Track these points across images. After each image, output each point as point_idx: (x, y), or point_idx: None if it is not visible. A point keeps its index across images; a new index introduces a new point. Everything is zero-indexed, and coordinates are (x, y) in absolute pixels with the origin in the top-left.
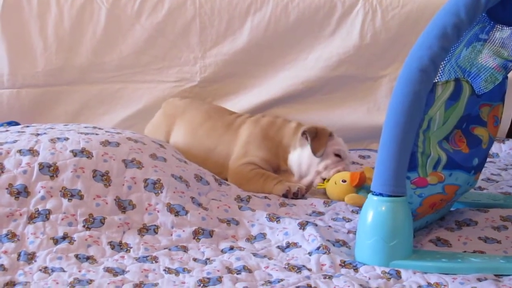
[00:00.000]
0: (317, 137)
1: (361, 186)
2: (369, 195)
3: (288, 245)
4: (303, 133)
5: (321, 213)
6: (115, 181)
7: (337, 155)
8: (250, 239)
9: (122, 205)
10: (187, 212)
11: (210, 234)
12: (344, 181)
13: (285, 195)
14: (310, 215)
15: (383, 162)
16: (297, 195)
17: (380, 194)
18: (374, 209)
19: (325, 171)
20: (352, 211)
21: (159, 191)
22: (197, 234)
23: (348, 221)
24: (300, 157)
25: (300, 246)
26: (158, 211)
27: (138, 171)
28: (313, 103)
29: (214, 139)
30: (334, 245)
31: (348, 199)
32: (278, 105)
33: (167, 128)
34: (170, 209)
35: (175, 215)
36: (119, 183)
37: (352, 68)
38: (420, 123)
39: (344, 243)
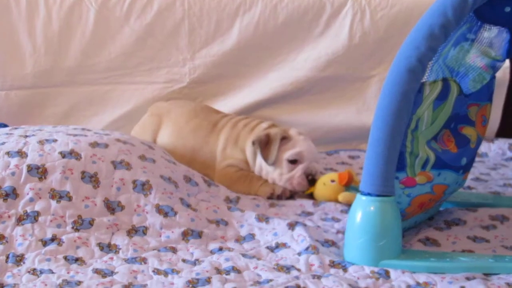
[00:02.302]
0: (268, 145)
1: (350, 185)
2: (358, 195)
3: (277, 246)
4: (253, 143)
5: (310, 213)
6: (104, 182)
7: (292, 161)
8: (239, 239)
9: (111, 207)
10: (176, 213)
11: (199, 235)
12: (333, 181)
13: (270, 197)
14: (299, 215)
15: (372, 162)
16: (281, 197)
17: (369, 194)
18: (363, 209)
19: (279, 179)
20: (341, 211)
21: (148, 192)
22: (186, 235)
23: (337, 221)
24: (260, 163)
25: (289, 247)
26: (147, 212)
27: (127, 172)
28: (302, 103)
29: (200, 138)
30: (323, 245)
31: (342, 198)
32: (267, 106)
33: (154, 128)
34: (159, 210)
35: (164, 216)
36: (108, 185)
37: (341, 69)
38: (408, 123)
39: (333, 243)
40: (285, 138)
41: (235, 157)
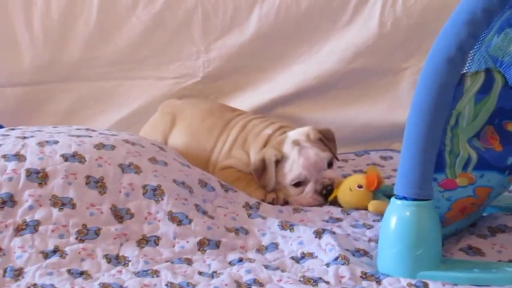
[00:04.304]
0: (264, 171)
1: (379, 188)
2: (392, 199)
3: (303, 256)
4: (251, 173)
5: (338, 220)
6: (110, 188)
7: (296, 183)
8: (261, 249)
9: (119, 214)
10: (191, 221)
11: (217, 244)
12: (360, 186)
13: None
14: (327, 221)
15: (407, 163)
16: (273, 204)
17: (404, 198)
18: (398, 214)
19: (292, 200)
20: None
21: (160, 198)
22: (202, 245)
23: (369, 228)
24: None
25: (316, 257)
26: (158, 220)
27: (136, 176)
28: (328, 99)
29: (213, 139)
30: (354, 255)
31: (373, 208)
32: (289, 102)
33: (166, 128)
34: (172, 217)
35: (178, 225)
36: (115, 190)
37: (370, 61)
38: (447, 119)
39: (365, 253)
40: (279, 161)
41: (238, 158)
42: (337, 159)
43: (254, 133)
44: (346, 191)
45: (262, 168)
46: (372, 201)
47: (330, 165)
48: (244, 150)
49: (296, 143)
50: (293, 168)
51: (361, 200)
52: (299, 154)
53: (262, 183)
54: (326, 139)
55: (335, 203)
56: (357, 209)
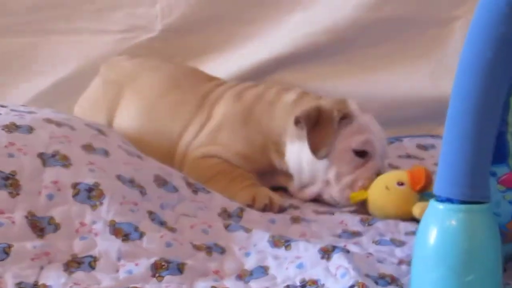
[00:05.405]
0: (319, 126)
1: (426, 190)
2: (432, 202)
3: (304, 284)
4: (297, 121)
5: (356, 234)
6: (27, 187)
7: (360, 153)
8: (243, 275)
9: (39, 226)
10: (142, 235)
11: (180, 268)
12: (401, 184)
13: (250, 206)
14: (339, 236)
15: (453, 152)
16: (266, 210)
17: (449, 201)
18: (440, 223)
19: (337, 182)
20: (406, 230)
21: (98, 203)
22: (158, 269)
23: (400, 246)
24: (300, 156)
25: (323, 285)
26: (96, 234)
27: (63, 171)
28: (343, 63)
29: (182, 120)
30: (377, 282)
31: (419, 211)
32: (288, 67)
33: (110, 103)
34: (116, 230)
35: (124, 240)
36: (33, 191)
37: (405, 7)
38: (509, 87)
39: (393, 280)
40: (345, 118)
41: (229, 145)
42: None
43: (265, 103)
44: (381, 190)
45: (315, 119)
46: (418, 203)
47: None
48: (239, 136)
49: (363, 109)
50: (363, 131)
51: (402, 202)
52: (371, 121)
53: (314, 140)
54: None
55: (360, 210)
56: (387, 217)
